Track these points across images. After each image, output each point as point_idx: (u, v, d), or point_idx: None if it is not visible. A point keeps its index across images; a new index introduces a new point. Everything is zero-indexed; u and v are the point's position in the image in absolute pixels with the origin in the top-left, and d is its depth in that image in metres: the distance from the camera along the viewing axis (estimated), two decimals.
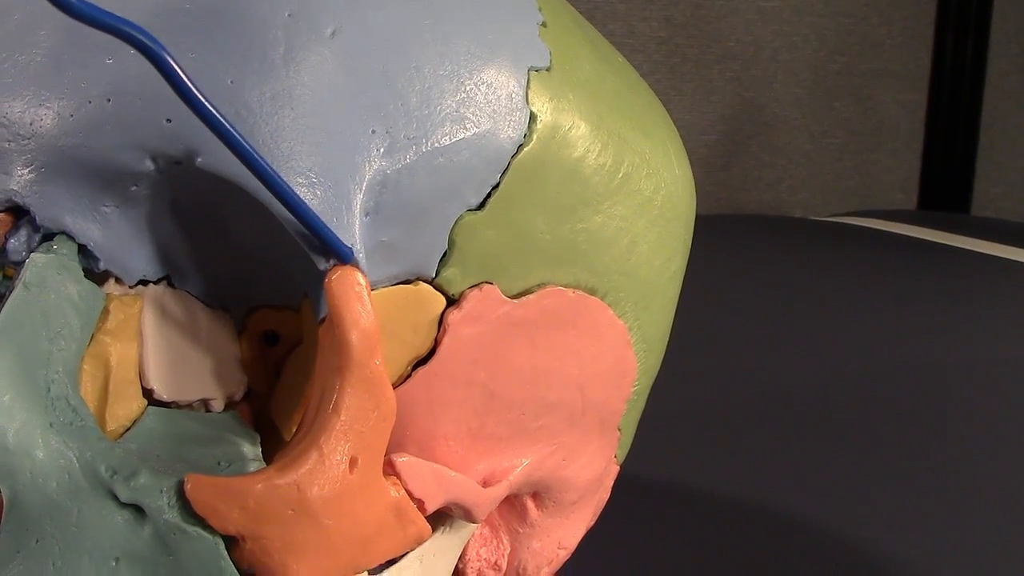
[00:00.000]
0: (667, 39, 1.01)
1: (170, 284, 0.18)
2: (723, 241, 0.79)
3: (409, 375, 0.19)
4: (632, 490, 0.34)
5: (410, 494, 0.18)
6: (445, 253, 0.18)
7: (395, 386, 0.19)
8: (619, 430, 0.23)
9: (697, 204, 1.04)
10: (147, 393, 0.18)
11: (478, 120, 0.18)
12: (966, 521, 0.33)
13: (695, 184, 1.03)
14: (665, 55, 1.01)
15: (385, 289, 0.18)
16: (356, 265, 0.17)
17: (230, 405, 0.19)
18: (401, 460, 0.18)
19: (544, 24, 0.20)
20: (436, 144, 0.18)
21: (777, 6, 1.04)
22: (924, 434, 0.40)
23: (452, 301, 0.19)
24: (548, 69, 0.20)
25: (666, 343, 0.24)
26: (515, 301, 0.19)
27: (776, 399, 0.44)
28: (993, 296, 0.63)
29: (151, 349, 0.18)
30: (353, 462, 0.16)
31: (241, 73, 0.17)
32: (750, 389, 0.45)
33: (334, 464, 0.16)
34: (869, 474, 0.37)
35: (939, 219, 0.91)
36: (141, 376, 0.18)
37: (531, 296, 0.19)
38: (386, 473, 0.18)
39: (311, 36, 0.17)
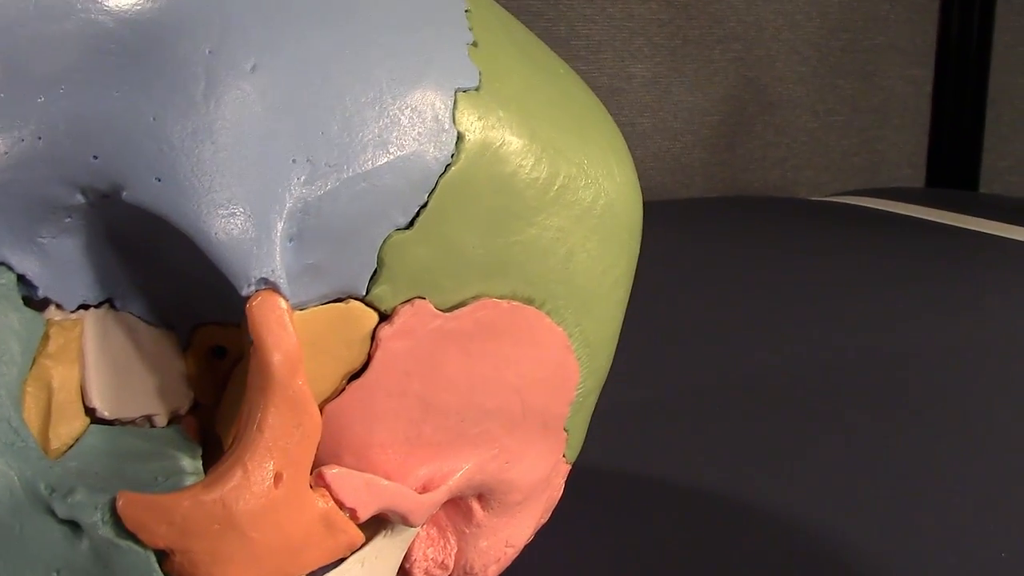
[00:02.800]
0: (668, 21, 1.00)
1: (112, 306, 0.19)
2: (727, 224, 0.80)
3: (344, 388, 0.20)
4: (616, 482, 0.35)
5: (341, 504, 0.19)
6: (375, 272, 0.19)
7: (330, 399, 0.19)
8: (566, 431, 0.23)
9: (700, 187, 1.05)
10: (91, 412, 0.19)
11: (402, 143, 0.19)
12: (971, 513, 0.34)
13: (703, 164, 1.02)
14: (666, 37, 1.01)
15: (316, 308, 0.19)
16: (276, 290, 0.18)
17: (175, 420, 0.20)
18: (331, 472, 0.19)
19: (474, 44, 0.21)
20: (358, 170, 0.19)
21: None
22: (932, 419, 0.41)
23: (385, 316, 0.20)
24: (476, 88, 0.20)
25: (614, 344, 0.24)
26: (448, 314, 0.20)
27: (778, 384, 0.44)
28: (1001, 277, 0.63)
29: (92, 369, 0.19)
30: (278, 477, 0.17)
31: (164, 110, 0.18)
32: (750, 375, 0.46)
33: (259, 480, 0.17)
34: (875, 462, 0.37)
35: (945, 197, 0.90)
36: (84, 396, 0.19)
37: (464, 309, 0.20)
38: (317, 485, 0.19)
39: (231, 71, 0.18)
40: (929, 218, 0.81)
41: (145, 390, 0.19)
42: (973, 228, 0.77)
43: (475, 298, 0.20)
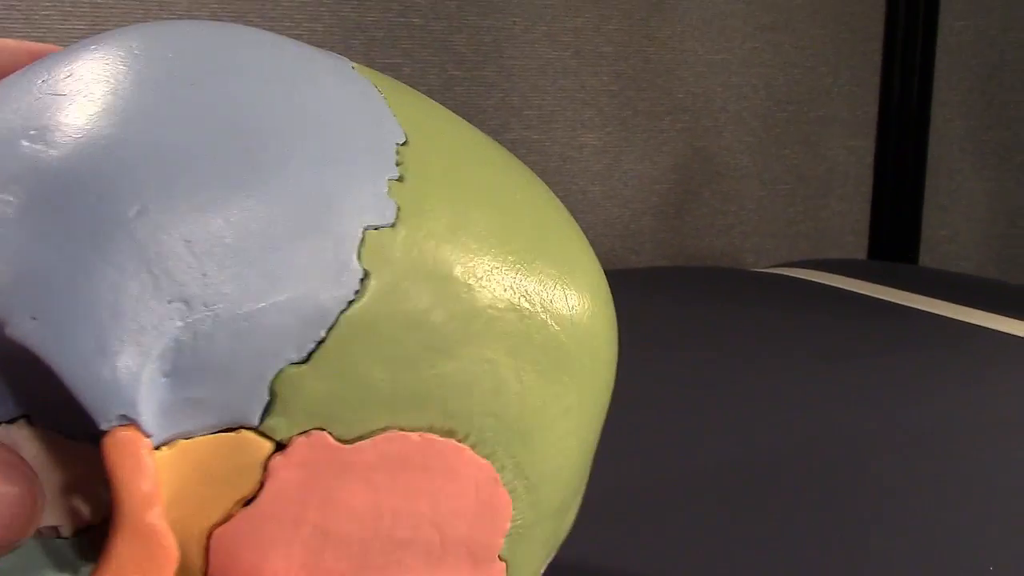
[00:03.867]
0: (618, 92, 1.02)
1: (29, 422, 0.20)
2: (671, 294, 0.80)
3: (234, 515, 0.20)
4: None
5: None
6: (268, 403, 0.19)
7: (220, 524, 0.20)
8: (503, 560, 0.23)
9: (650, 253, 1.05)
10: None
11: (293, 283, 0.19)
12: None
13: (653, 234, 1.03)
14: (617, 108, 1.02)
15: (205, 437, 0.19)
16: (137, 426, 0.18)
17: (85, 531, 0.20)
18: None
19: (399, 179, 0.21)
20: (238, 311, 0.19)
21: (725, 59, 1.05)
22: (867, 495, 0.41)
23: (282, 446, 0.20)
24: (391, 225, 0.20)
25: (569, 473, 0.24)
26: (348, 446, 0.20)
27: (719, 462, 0.44)
28: (938, 355, 0.64)
29: None
30: None
31: (49, 252, 0.18)
32: (691, 452, 0.45)
33: None
34: (815, 542, 0.37)
35: (885, 271, 0.92)
36: None
37: (366, 442, 0.20)
38: None
39: (115, 216, 0.18)
40: (869, 293, 0.82)
41: (53, 501, 0.20)
42: (911, 305, 0.78)
43: (383, 430, 0.20)
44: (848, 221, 1.15)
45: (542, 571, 0.25)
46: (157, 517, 0.18)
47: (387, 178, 0.21)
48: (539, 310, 0.22)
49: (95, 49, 0.21)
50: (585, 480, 0.26)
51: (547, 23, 0.98)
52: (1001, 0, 1.12)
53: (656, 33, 1.02)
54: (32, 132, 0.19)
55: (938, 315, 0.74)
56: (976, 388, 0.57)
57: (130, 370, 0.18)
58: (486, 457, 0.21)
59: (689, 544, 0.38)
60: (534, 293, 0.22)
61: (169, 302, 0.18)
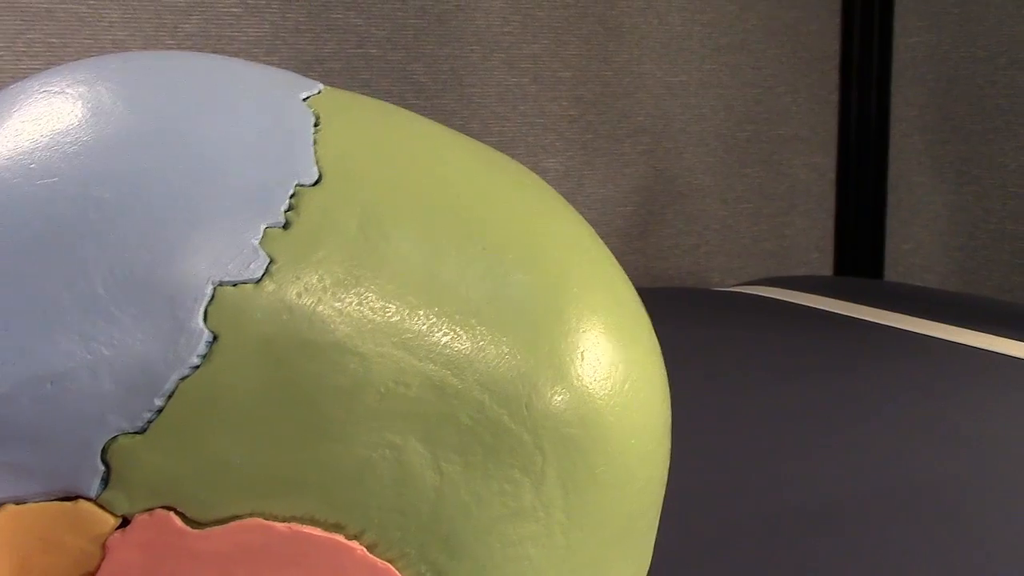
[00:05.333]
0: (578, 117, 1.00)
1: None
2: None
3: None
4: None
5: None
6: (104, 475, 0.17)
7: None
8: None
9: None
10: None
11: (115, 345, 0.16)
12: None
13: (616, 254, 1.02)
14: (577, 132, 1.00)
15: (39, 504, 0.17)
16: None
17: None
18: None
19: (285, 225, 0.18)
20: (39, 371, 0.16)
21: (684, 80, 1.04)
22: (837, 508, 0.38)
23: (127, 522, 0.17)
24: (256, 281, 0.17)
25: None
26: (196, 532, 0.17)
27: (681, 488, 0.42)
28: (905, 368, 0.62)
29: None
30: None
31: None
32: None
33: None
34: (776, 555, 0.34)
35: (851, 287, 0.90)
36: None
37: (219, 528, 0.17)
38: None
39: None
40: (835, 310, 0.80)
41: None
42: (876, 320, 0.76)
43: (246, 516, 0.17)
44: (812, 238, 1.13)
45: None
46: None
47: (264, 225, 0.18)
48: (472, 387, 0.18)
49: None
50: None
51: (505, 50, 0.96)
52: (953, 17, 1.11)
53: (614, 57, 1.00)
54: None
55: (902, 329, 0.72)
56: (941, 401, 0.55)
57: None
58: (391, 560, 0.18)
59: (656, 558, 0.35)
60: (468, 366, 0.18)
61: None
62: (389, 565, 0.18)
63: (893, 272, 1.15)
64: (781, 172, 1.10)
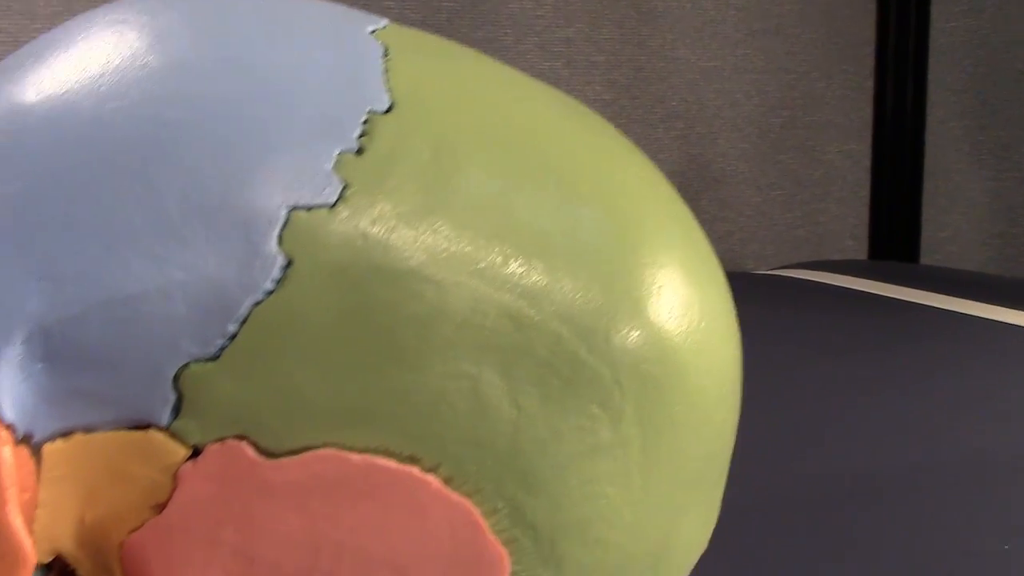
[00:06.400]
0: (612, 101, 0.99)
1: None
2: None
3: (147, 523, 0.17)
4: None
5: None
6: (176, 403, 0.16)
7: (132, 531, 0.17)
8: None
9: None
10: None
11: (188, 267, 0.16)
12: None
13: None
14: (610, 117, 0.99)
15: (109, 433, 0.17)
16: None
17: None
18: None
19: (358, 151, 0.17)
20: (113, 294, 0.16)
21: (718, 66, 1.03)
22: (879, 491, 0.38)
23: (198, 452, 0.17)
24: (331, 206, 0.17)
25: (617, 529, 0.18)
26: (272, 462, 0.17)
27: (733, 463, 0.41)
28: (946, 349, 0.61)
29: None
30: None
31: None
32: None
33: None
34: (823, 531, 0.34)
35: (888, 269, 0.89)
36: None
37: (293, 459, 0.17)
38: None
39: None
40: (873, 291, 0.79)
41: None
42: (916, 300, 0.75)
43: (320, 447, 0.17)
44: (847, 225, 1.12)
45: None
46: (5, 512, 0.16)
47: (338, 151, 0.17)
48: (550, 319, 0.17)
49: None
50: (680, 539, 0.20)
51: (538, 33, 0.95)
52: (992, 0, 1.09)
53: (648, 41, 0.99)
54: None
55: (941, 308, 0.71)
56: (981, 378, 0.54)
57: None
58: (467, 495, 0.17)
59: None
60: (545, 297, 0.17)
61: (37, 280, 0.16)
62: (465, 500, 0.17)
63: (929, 260, 1.13)
64: (815, 159, 1.09)
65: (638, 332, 0.18)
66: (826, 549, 0.35)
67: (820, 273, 0.87)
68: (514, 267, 0.17)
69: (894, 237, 1.09)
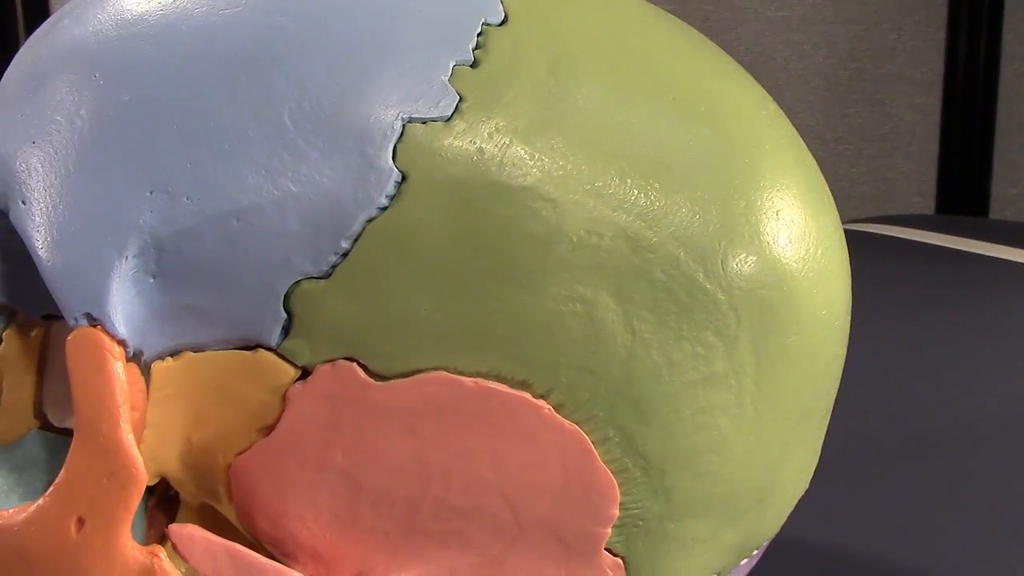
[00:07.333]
0: None
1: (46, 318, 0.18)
2: None
3: (253, 445, 0.17)
4: None
5: (197, 569, 0.17)
6: (286, 322, 0.16)
7: (242, 453, 0.17)
8: (617, 556, 0.18)
9: None
10: (42, 416, 0.19)
11: (300, 178, 0.15)
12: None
13: None
14: None
15: (216, 353, 0.16)
16: (103, 327, 0.16)
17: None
18: (177, 530, 0.17)
19: (474, 64, 0.16)
20: (226, 207, 0.15)
21: (786, 16, 1.00)
22: (952, 442, 0.37)
23: (307, 373, 0.16)
24: (446, 120, 0.16)
25: (730, 462, 0.18)
26: (383, 384, 0.16)
27: None
28: (1013, 301, 0.60)
29: (49, 378, 0.19)
30: (80, 523, 0.16)
31: (39, 133, 0.16)
32: None
33: (51, 520, 0.16)
34: (884, 493, 0.33)
35: (957, 223, 0.87)
36: (41, 402, 0.19)
37: (405, 381, 0.16)
38: (166, 540, 0.17)
39: (104, 97, 0.16)
40: (943, 244, 0.77)
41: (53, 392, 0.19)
42: (986, 254, 0.73)
43: (431, 370, 0.16)
44: (914, 181, 1.09)
45: None
46: (118, 429, 0.16)
47: (454, 62, 0.16)
48: (667, 240, 0.17)
49: None
50: (786, 476, 0.19)
51: None
52: None
53: None
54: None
55: (1012, 262, 0.70)
56: None
57: (99, 264, 0.16)
58: (578, 423, 0.17)
59: None
60: (663, 218, 0.17)
61: (150, 192, 0.16)
62: (577, 427, 0.17)
63: (998, 217, 1.11)
64: (884, 112, 1.06)
65: (756, 256, 0.17)
66: (914, 492, 0.34)
67: (888, 227, 0.85)
68: (631, 186, 0.17)
69: (963, 194, 1.06)
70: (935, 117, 1.08)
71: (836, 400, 0.44)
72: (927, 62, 1.07)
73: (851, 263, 0.63)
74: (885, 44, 1.05)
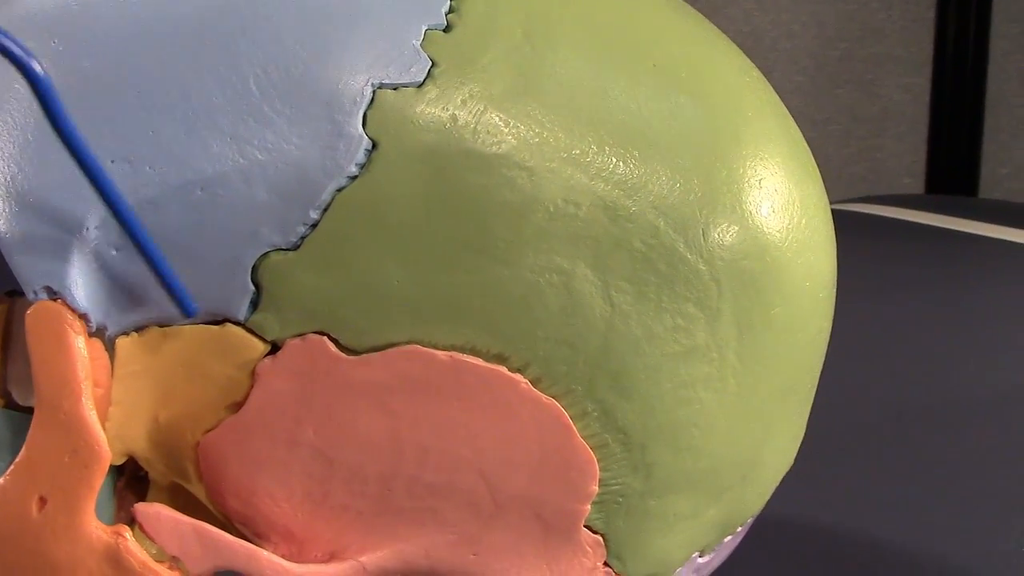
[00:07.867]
0: None
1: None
2: None
3: (223, 421, 0.16)
4: None
5: (164, 549, 0.16)
6: (254, 295, 0.15)
7: (211, 430, 0.16)
8: (597, 533, 0.17)
9: None
10: (6, 394, 0.18)
11: (267, 147, 0.15)
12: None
13: None
14: None
15: (184, 327, 0.16)
16: (64, 301, 0.15)
17: None
18: (142, 509, 0.16)
19: (447, 28, 0.16)
20: (190, 176, 0.15)
21: None
22: (937, 418, 0.37)
23: (277, 348, 0.16)
24: (418, 85, 0.15)
25: (712, 437, 0.17)
26: (354, 358, 0.15)
27: None
28: (1002, 280, 0.59)
29: (12, 356, 0.19)
30: (42, 502, 0.15)
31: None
32: None
33: (11, 499, 0.15)
34: (866, 471, 0.33)
35: (947, 203, 0.87)
36: (5, 380, 0.19)
37: (376, 355, 0.15)
38: (133, 521, 0.16)
39: (67, 69, 0.16)
40: (932, 223, 0.77)
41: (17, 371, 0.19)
42: (976, 233, 0.73)
43: (403, 344, 0.16)
44: (904, 162, 1.09)
45: (704, 562, 0.19)
46: (79, 406, 0.15)
47: (426, 26, 0.16)
48: (646, 209, 0.16)
49: None
50: (770, 452, 0.19)
51: None
52: None
53: None
54: None
55: (1002, 240, 0.70)
56: None
57: (58, 236, 0.15)
58: (556, 397, 0.16)
59: None
60: (642, 186, 0.16)
61: (112, 161, 0.15)
62: (554, 401, 0.16)
63: (987, 196, 1.10)
64: (873, 93, 1.05)
65: (738, 226, 0.17)
66: (901, 472, 0.34)
67: (878, 207, 0.85)
68: (610, 154, 0.16)
69: (953, 174, 1.06)
70: (924, 97, 1.07)
71: (824, 378, 0.44)
72: (916, 42, 1.06)
73: (841, 243, 0.63)
74: (874, 24, 1.04)
